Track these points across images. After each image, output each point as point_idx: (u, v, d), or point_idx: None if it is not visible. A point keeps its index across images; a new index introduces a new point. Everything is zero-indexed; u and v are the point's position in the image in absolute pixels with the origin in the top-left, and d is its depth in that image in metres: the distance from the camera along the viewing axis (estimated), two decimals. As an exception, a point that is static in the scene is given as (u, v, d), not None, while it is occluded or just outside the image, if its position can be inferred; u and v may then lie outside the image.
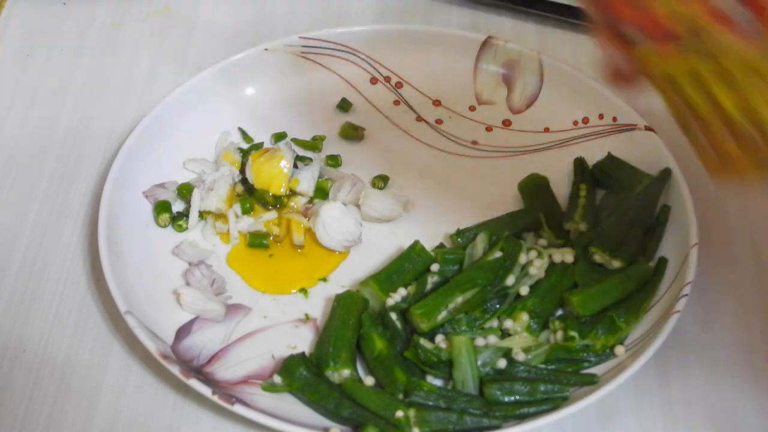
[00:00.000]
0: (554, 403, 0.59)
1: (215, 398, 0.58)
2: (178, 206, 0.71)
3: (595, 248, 0.66)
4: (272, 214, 0.69)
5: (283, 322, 0.66)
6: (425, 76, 0.77)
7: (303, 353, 0.63)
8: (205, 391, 0.58)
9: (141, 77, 0.80)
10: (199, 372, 0.61)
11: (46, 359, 0.64)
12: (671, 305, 0.62)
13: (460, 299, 0.62)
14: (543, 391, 0.60)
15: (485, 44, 0.77)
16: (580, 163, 0.72)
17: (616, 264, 0.65)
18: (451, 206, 0.72)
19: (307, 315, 0.66)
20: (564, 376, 0.61)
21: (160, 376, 0.63)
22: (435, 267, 0.65)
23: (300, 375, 0.61)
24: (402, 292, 0.64)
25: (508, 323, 0.63)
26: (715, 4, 0.48)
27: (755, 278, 0.68)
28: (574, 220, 0.68)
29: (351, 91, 0.77)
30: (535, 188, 0.71)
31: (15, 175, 0.74)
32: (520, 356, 0.62)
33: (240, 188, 0.71)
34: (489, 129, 0.76)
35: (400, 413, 0.58)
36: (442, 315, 0.62)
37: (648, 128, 0.71)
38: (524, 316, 0.63)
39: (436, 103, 0.77)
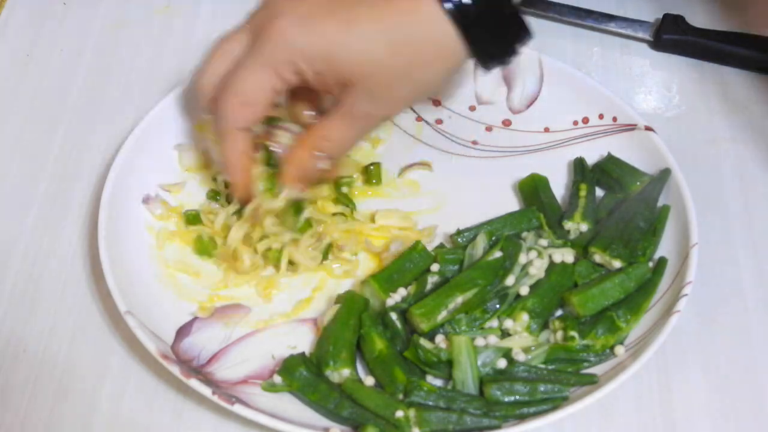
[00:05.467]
0: (554, 403, 0.59)
1: (215, 398, 0.58)
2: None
3: (595, 248, 0.66)
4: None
5: (283, 322, 0.66)
6: (425, 76, 0.77)
7: (303, 353, 0.63)
8: (205, 391, 0.58)
9: (141, 77, 0.80)
10: (199, 372, 0.61)
11: (46, 359, 0.64)
12: (671, 305, 0.62)
13: (460, 299, 0.62)
14: (543, 391, 0.60)
15: (485, 44, 0.77)
16: (580, 163, 0.72)
17: (616, 264, 0.65)
18: (451, 206, 0.72)
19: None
20: (564, 376, 0.61)
21: (160, 376, 0.63)
22: (435, 267, 0.65)
23: (300, 375, 0.61)
24: (402, 292, 0.64)
25: (508, 323, 0.63)
26: None
27: (755, 278, 0.68)
28: (574, 220, 0.68)
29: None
30: (535, 188, 0.71)
31: (15, 175, 0.74)
32: (520, 356, 0.62)
33: None
34: (489, 129, 0.76)
35: (400, 413, 0.58)
36: (442, 315, 0.62)
37: (648, 128, 0.71)
38: (524, 316, 0.63)
39: (436, 103, 0.77)
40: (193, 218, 0.69)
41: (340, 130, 0.62)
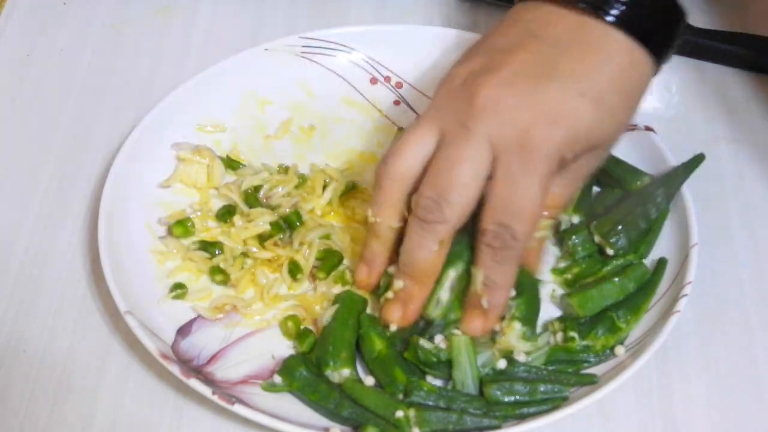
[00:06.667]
0: (554, 403, 0.59)
1: (215, 398, 0.58)
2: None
3: (595, 230, 0.66)
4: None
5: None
6: (425, 76, 0.77)
7: (303, 353, 0.63)
8: (205, 391, 0.58)
9: (141, 77, 0.80)
10: (199, 372, 0.61)
11: (46, 359, 0.64)
12: (671, 305, 0.62)
13: (453, 274, 0.62)
14: (543, 392, 0.60)
15: (485, 44, 0.77)
16: None
17: (609, 252, 0.65)
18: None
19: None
20: (564, 376, 0.61)
21: (160, 376, 0.63)
22: None
23: (300, 375, 0.60)
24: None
25: (504, 339, 0.62)
26: None
27: (755, 278, 0.68)
28: (566, 212, 0.68)
29: (351, 90, 0.77)
30: None
31: (15, 175, 0.74)
32: (521, 357, 0.61)
33: None
34: (489, 129, 0.76)
35: (400, 413, 0.58)
36: (444, 296, 0.62)
37: (648, 128, 0.71)
38: (517, 326, 0.62)
39: (436, 103, 0.77)
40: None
41: (567, 192, 0.64)
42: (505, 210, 0.58)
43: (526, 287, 0.64)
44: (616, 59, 0.58)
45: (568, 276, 0.66)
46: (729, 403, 0.63)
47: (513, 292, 0.62)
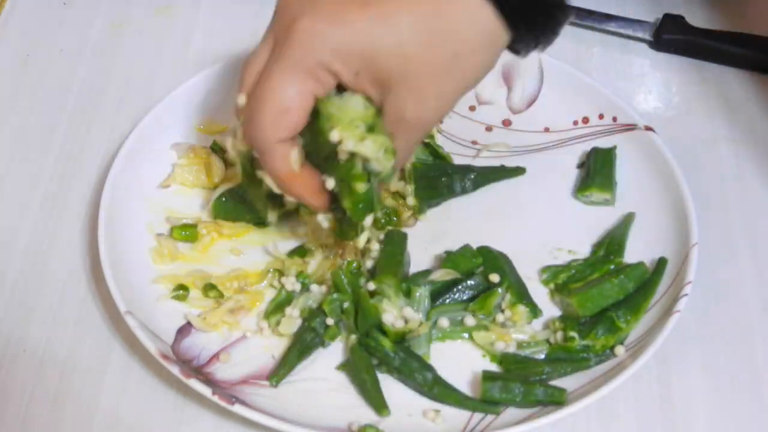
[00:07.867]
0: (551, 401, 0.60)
1: (215, 398, 0.58)
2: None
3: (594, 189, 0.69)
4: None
5: (283, 322, 0.66)
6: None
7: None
8: (205, 391, 0.58)
9: (141, 77, 0.80)
10: (199, 372, 0.61)
11: (46, 359, 0.64)
12: (671, 305, 0.62)
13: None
14: (538, 394, 0.60)
15: (485, 44, 0.77)
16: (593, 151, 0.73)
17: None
18: (451, 206, 0.71)
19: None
20: (561, 366, 0.62)
21: (160, 376, 0.63)
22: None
23: None
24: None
25: (516, 327, 0.64)
26: None
27: (755, 278, 0.68)
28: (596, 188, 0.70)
29: (351, 91, 0.77)
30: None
31: (15, 174, 0.74)
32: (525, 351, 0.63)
33: None
34: (489, 129, 0.76)
35: None
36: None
37: (648, 128, 0.71)
38: (521, 308, 0.63)
39: (436, 103, 0.77)
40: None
41: (397, 142, 0.57)
42: (254, 96, 0.55)
43: (504, 270, 0.65)
44: (455, 13, 0.53)
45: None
46: (729, 403, 0.63)
47: (497, 279, 0.64)
